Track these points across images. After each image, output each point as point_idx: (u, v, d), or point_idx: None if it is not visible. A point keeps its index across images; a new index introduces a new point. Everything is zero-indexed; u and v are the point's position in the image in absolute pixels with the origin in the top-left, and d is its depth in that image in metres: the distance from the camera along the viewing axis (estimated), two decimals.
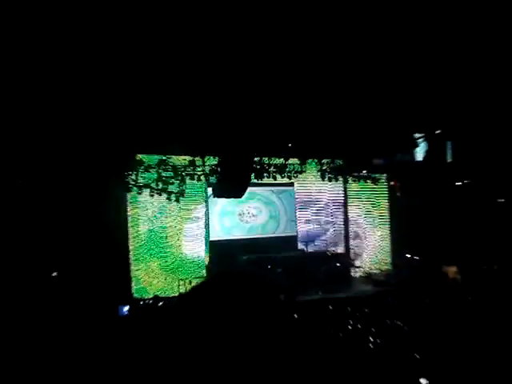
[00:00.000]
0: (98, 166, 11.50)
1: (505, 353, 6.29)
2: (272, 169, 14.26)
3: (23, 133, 10.46)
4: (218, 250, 14.58)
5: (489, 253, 14.26)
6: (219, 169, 13.07)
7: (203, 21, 8.76)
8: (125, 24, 8.39)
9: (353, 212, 16.64)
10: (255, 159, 13.46)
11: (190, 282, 13.28)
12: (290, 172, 14.70)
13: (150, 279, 13.38)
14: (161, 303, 12.06)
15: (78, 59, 9.45)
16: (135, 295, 12.91)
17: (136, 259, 13.26)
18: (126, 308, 11.35)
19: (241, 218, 15.43)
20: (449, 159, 14.36)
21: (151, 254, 13.50)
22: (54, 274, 11.22)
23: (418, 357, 6.60)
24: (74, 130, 10.82)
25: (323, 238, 16.18)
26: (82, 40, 8.80)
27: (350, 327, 8.82)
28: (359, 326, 8.83)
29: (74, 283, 11.23)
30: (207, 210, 14.67)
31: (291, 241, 15.82)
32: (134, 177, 12.72)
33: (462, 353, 6.60)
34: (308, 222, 16.06)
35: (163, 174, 13.09)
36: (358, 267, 16.09)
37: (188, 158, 13.24)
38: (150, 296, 12.80)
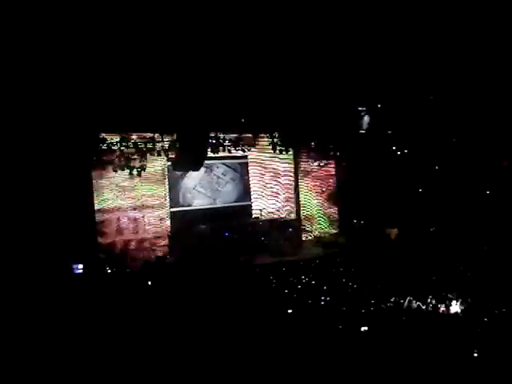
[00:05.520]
0: (63, 145, 11.85)
1: (435, 302, 7.39)
2: (227, 143, 15.08)
3: None
4: (179, 219, 15.30)
5: (427, 216, 15.38)
6: (177, 144, 13.78)
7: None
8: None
9: (303, 181, 17.63)
10: (211, 134, 14.18)
11: (154, 250, 14.14)
12: (243, 145, 15.56)
13: (115, 250, 14.09)
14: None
15: (37, 40, 9.84)
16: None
17: (102, 230, 13.95)
18: (80, 266, 11.92)
19: (199, 189, 16.16)
20: (389, 131, 15.40)
21: (116, 226, 14.24)
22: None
23: (363, 311, 7.59)
24: (37, 109, 11.21)
25: (276, 205, 17.17)
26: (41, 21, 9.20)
27: (300, 287, 9.68)
28: (310, 285, 9.72)
29: (42, 254, 11.55)
30: (168, 182, 15.40)
31: (247, 209, 16.77)
32: (97, 154, 13.24)
33: (401, 303, 7.66)
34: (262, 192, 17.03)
35: (125, 151, 13.70)
36: (308, 232, 17.10)
37: (148, 134, 13.88)
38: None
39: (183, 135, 13.20)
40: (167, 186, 15.39)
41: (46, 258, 11.08)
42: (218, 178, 16.56)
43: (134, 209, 14.61)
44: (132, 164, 13.93)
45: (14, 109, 11.01)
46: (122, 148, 13.62)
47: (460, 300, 7.13)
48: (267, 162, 17.11)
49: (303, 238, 16.82)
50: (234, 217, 15.58)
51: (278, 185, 17.41)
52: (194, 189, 16.04)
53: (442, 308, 6.98)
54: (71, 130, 11.88)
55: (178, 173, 15.34)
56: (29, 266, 10.38)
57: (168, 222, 15.22)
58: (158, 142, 14.00)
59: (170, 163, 14.93)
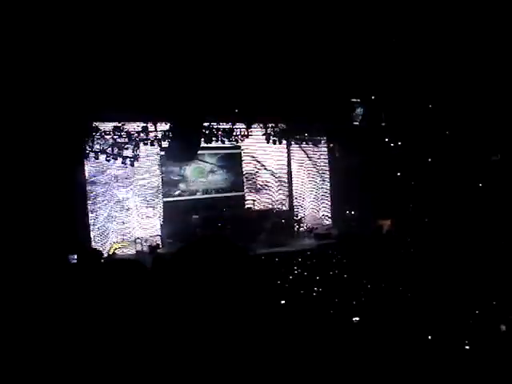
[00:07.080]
0: (57, 134, 11.76)
1: (430, 297, 7.40)
2: (220, 133, 15.03)
3: None
4: (171, 210, 15.30)
5: (420, 207, 15.40)
6: (171, 134, 13.73)
7: None
8: None
9: (296, 172, 17.62)
10: (204, 124, 14.13)
11: (146, 240, 14.10)
12: (236, 136, 15.52)
13: (108, 239, 14.11)
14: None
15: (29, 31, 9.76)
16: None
17: (94, 220, 13.94)
18: (75, 256, 12.03)
19: (192, 179, 16.13)
20: (383, 123, 15.39)
21: (109, 216, 14.21)
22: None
23: (354, 302, 7.60)
24: (30, 96, 11.12)
25: (269, 196, 17.16)
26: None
27: (292, 278, 9.67)
28: (303, 276, 9.72)
29: (34, 243, 11.50)
30: (160, 172, 15.41)
31: (239, 200, 16.77)
32: (90, 143, 13.16)
33: (393, 297, 7.67)
34: (254, 182, 17.00)
35: (118, 140, 13.61)
36: (301, 223, 17.09)
37: (141, 124, 13.79)
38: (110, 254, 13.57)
39: (177, 124, 13.16)
40: (160, 176, 15.39)
41: (44, 249, 11.15)
42: (211, 168, 16.52)
43: (127, 198, 14.57)
44: (125, 153, 13.85)
45: (5, 98, 10.92)
46: (115, 137, 13.51)
47: (452, 291, 7.14)
48: (260, 153, 17.12)
49: (296, 229, 16.80)
50: (227, 207, 15.56)
51: (270, 175, 17.41)
52: (186, 179, 16.00)
53: (435, 299, 6.99)
54: (63, 119, 11.79)
55: (171, 162, 15.28)
56: (29, 257, 10.46)
57: (160, 212, 15.20)
58: (152, 131, 13.91)
59: (163, 153, 14.87)
